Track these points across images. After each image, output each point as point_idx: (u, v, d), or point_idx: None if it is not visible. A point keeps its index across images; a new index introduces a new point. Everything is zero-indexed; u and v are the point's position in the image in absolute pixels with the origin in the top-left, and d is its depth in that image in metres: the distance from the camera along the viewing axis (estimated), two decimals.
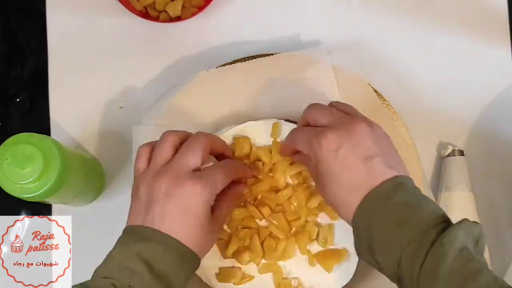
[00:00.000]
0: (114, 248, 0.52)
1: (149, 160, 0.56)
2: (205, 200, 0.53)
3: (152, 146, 0.56)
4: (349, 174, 0.50)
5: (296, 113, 0.66)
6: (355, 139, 0.51)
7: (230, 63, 0.68)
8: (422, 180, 0.66)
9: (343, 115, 0.54)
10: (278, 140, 0.63)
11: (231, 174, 0.58)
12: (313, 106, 0.56)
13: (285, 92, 0.68)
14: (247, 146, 0.63)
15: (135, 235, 0.52)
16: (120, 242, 0.53)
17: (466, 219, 0.48)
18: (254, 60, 0.68)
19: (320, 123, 0.54)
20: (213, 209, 0.55)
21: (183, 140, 0.56)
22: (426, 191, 0.67)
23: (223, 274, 0.62)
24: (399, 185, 0.50)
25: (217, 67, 0.68)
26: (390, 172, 0.50)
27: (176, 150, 0.55)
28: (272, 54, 0.69)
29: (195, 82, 0.68)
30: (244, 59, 0.69)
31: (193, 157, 0.54)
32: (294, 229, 0.62)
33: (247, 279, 0.62)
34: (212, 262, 0.62)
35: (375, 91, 0.68)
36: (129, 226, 0.54)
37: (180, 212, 0.52)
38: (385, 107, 0.68)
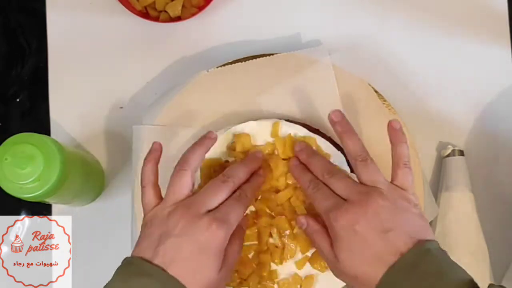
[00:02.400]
0: (113, 279, 0.50)
1: (157, 190, 0.56)
2: (219, 244, 0.52)
3: (155, 174, 0.56)
4: (368, 249, 0.51)
5: (296, 113, 0.67)
6: (371, 215, 0.51)
7: (230, 63, 0.68)
8: (422, 180, 0.66)
9: (360, 187, 0.54)
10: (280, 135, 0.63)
11: (246, 207, 0.58)
12: (333, 172, 0.57)
13: (285, 92, 0.68)
14: (248, 143, 0.63)
15: (138, 269, 0.50)
16: (120, 273, 0.51)
17: (491, 285, 0.49)
18: (254, 60, 0.68)
19: (335, 190, 0.55)
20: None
21: (201, 161, 0.57)
22: (426, 191, 0.67)
23: None
24: (423, 252, 0.49)
25: (217, 67, 0.68)
26: (411, 241, 0.50)
27: (193, 181, 0.55)
28: (272, 54, 0.69)
29: (195, 82, 0.68)
30: (244, 59, 0.69)
31: (212, 200, 0.54)
32: (295, 229, 0.62)
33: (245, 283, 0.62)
34: None
35: (375, 91, 0.68)
36: (136, 257, 0.52)
37: (193, 254, 0.51)
38: (385, 107, 0.68)
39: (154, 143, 0.58)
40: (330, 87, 0.67)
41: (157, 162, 0.58)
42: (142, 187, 0.56)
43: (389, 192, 0.53)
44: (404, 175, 0.54)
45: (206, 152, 0.58)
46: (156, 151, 0.58)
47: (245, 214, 0.59)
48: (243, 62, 0.68)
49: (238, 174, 0.57)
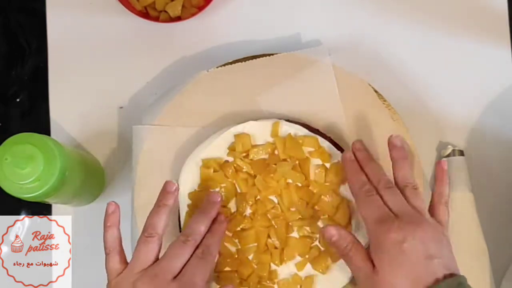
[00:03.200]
0: None
1: (122, 256, 0.56)
2: None
3: (118, 240, 0.56)
4: (410, 268, 0.53)
5: (296, 113, 0.67)
6: (419, 240, 0.53)
7: (230, 63, 0.68)
8: (422, 180, 0.66)
9: (412, 210, 0.56)
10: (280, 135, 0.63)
11: (212, 263, 0.57)
12: (390, 185, 0.58)
13: (285, 92, 0.68)
14: (248, 143, 0.63)
15: None
16: None
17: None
18: (254, 60, 0.68)
19: (387, 202, 0.57)
20: None
21: (167, 222, 0.56)
22: (426, 192, 0.67)
23: (222, 278, 0.62)
24: (456, 285, 0.52)
25: (217, 67, 0.68)
26: (447, 273, 0.53)
27: (160, 246, 0.55)
28: (272, 54, 0.69)
29: (195, 82, 0.68)
30: (244, 59, 0.68)
31: (176, 263, 0.54)
32: (295, 229, 0.62)
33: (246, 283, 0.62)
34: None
35: (375, 91, 0.68)
36: None
37: None
38: (385, 107, 0.68)
39: (109, 204, 0.58)
40: (330, 87, 0.67)
41: (117, 225, 0.57)
42: (106, 254, 0.56)
43: (434, 224, 0.56)
44: (443, 212, 0.58)
45: (170, 210, 0.57)
46: (114, 214, 0.57)
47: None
48: (243, 62, 0.68)
49: (198, 230, 0.57)
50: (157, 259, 0.55)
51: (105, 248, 0.56)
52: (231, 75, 0.68)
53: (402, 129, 0.67)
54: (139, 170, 0.66)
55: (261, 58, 0.68)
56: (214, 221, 0.60)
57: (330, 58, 0.68)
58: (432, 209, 0.58)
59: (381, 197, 0.57)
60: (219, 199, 0.60)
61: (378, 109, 0.67)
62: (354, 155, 0.61)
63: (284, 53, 0.69)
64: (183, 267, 0.54)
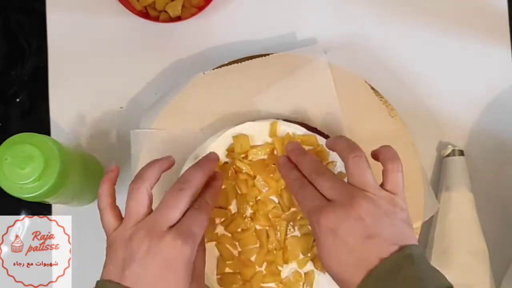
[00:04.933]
0: None
1: (116, 212, 0.54)
2: (186, 259, 0.51)
3: (111, 196, 0.55)
4: (348, 254, 0.50)
5: (294, 112, 0.67)
6: (353, 220, 0.50)
7: (226, 64, 0.68)
8: (422, 180, 0.66)
9: (346, 189, 0.53)
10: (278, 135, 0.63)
11: (208, 215, 0.56)
12: (321, 172, 0.55)
13: (282, 92, 0.68)
14: (246, 144, 0.63)
15: None
16: None
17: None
18: (250, 60, 0.68)
19: (321, 190, 0.54)
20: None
21: (158, 178, 0.55)
22: (427, 190, 0.67)
23: (225, 279, 0.62)
24: (403, 258, 0.49)
25: (213, 69, 0.68)
26: (393, 248, 0.49)
27: (150, 197, 0.54)
28: (268, 54, 0.69)
29: (191, 85, 0.68)
30: (240, 60, 0.68)
31: (173, 213, 0.52)
32: (297, 228, 0.62)
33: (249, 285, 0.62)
34: (214, 266, 0.62)
35: (372, 88, 0.68)
36: (105, 280, 0.51)
37: (162, 273, 0.50)
38: (382, 103, 0.68)
39: (110, 167, 0.57)
40: (327, 86, 0.67)
41: (113, 183, 0.56)
42: (100, 209, 0.55)
43: (376, 196, 0.52)
44: (394, 180, 0.53)
45: (163, 170, 0.56)
46: (112, 172, 0.56)
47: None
48: (239, 63, 0.68)
49: (194, 178, 0.55)
50: (149, 210, 0.53)
51: (98, 204, 0.55)
52: (227, 76, 0.68)
53: (400, 124, 0.67)
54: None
55: (257, 59, 0.68)
56: (210, 178, 0.58)
57: (326, 57, 0.68)
58: (383, 178, 0.54)
59: (314, 187, 0.54)
60: (217, 157, 0.61)
61: (375, 106, 0.67)
62: (289, 158, 0.59)
63: (279, 53, 0.69)
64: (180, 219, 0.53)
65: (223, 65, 0.68)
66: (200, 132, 0.66)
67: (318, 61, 0.68)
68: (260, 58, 0.69)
